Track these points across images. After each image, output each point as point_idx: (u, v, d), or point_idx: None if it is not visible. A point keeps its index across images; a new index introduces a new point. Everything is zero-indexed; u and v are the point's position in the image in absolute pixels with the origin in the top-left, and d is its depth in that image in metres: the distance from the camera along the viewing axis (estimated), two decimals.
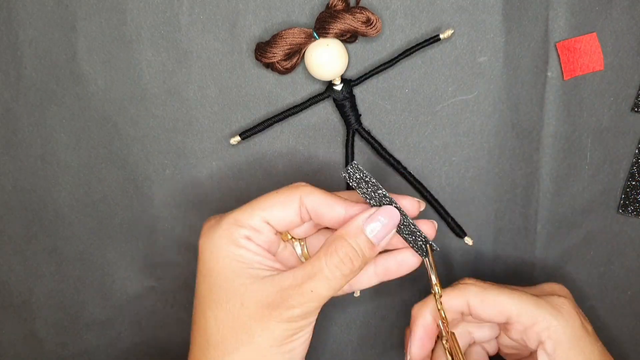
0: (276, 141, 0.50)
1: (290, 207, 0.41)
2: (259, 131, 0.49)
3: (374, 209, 0.41)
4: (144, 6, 0.48)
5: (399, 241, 0.43)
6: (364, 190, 0.42)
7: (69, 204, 0.52)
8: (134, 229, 0.52)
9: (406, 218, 0.42)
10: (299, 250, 0.45)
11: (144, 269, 0.53)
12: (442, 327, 0.42)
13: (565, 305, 0.42)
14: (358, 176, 0.42)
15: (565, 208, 0.51)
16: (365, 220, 0.41)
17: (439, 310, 0.42)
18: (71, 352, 0.55)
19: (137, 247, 0.53)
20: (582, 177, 0.50)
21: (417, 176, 0.50)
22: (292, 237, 0.45)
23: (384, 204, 0.42)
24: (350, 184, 0.42)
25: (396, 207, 0.42)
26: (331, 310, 0.53)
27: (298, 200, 0.41)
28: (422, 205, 0.44)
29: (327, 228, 0.44)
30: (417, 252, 0.43)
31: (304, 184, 0.42)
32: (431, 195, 0.50)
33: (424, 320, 0.43)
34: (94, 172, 0.51)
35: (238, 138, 0.49)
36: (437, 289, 0.42)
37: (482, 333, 0.46)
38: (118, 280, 0.53)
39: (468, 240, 0.51)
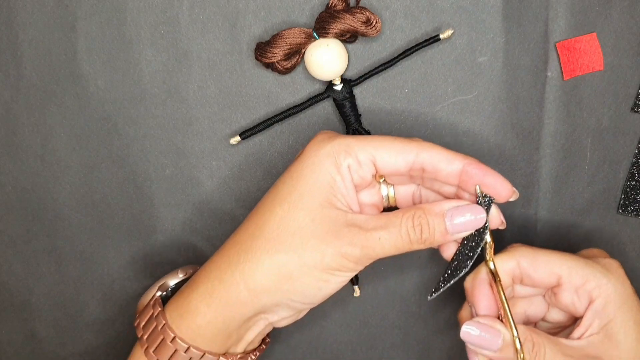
0: (276, 141, 0.50)
1: (403, 157, 0.41)
2: (259, 131, 0.49)
3: (465, 201, 0.41)
4: (144, 6, 0.48)
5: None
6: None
7: (69, 204, 0.52)
8: (134, 229, 0.52)
9: (484, 232, 0.42)
10: (384, 192, 0.45)
11: (144, 269, 0.53)
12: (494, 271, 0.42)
13: (614, 265, 0.43)
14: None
15: (565, 208, 0.51)
16: (451, 210, 0.41)
17: (487, 264, 0.42)
18: (71, 352, 0.55)
19: (137, 247, 0.53)
20: (582, 177, 0.50)
21: None
22: (385, 180, 0.44)
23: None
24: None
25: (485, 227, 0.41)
26: (331, 310, 0.53)
27: (414, 154, 0.41)
28: (516, 195, 0.42)
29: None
30: (467, 253, 0.42)
31: (421, 139, 0.42)
32: None
33: (482, 289, 0.43)
34: (94, 172, 0.51)
35: (238, 138, 0.49)
36: (488, 238, 0.42)
37: (533, 310, 0.46)
38: (118, 280, 0.53)
39: None
